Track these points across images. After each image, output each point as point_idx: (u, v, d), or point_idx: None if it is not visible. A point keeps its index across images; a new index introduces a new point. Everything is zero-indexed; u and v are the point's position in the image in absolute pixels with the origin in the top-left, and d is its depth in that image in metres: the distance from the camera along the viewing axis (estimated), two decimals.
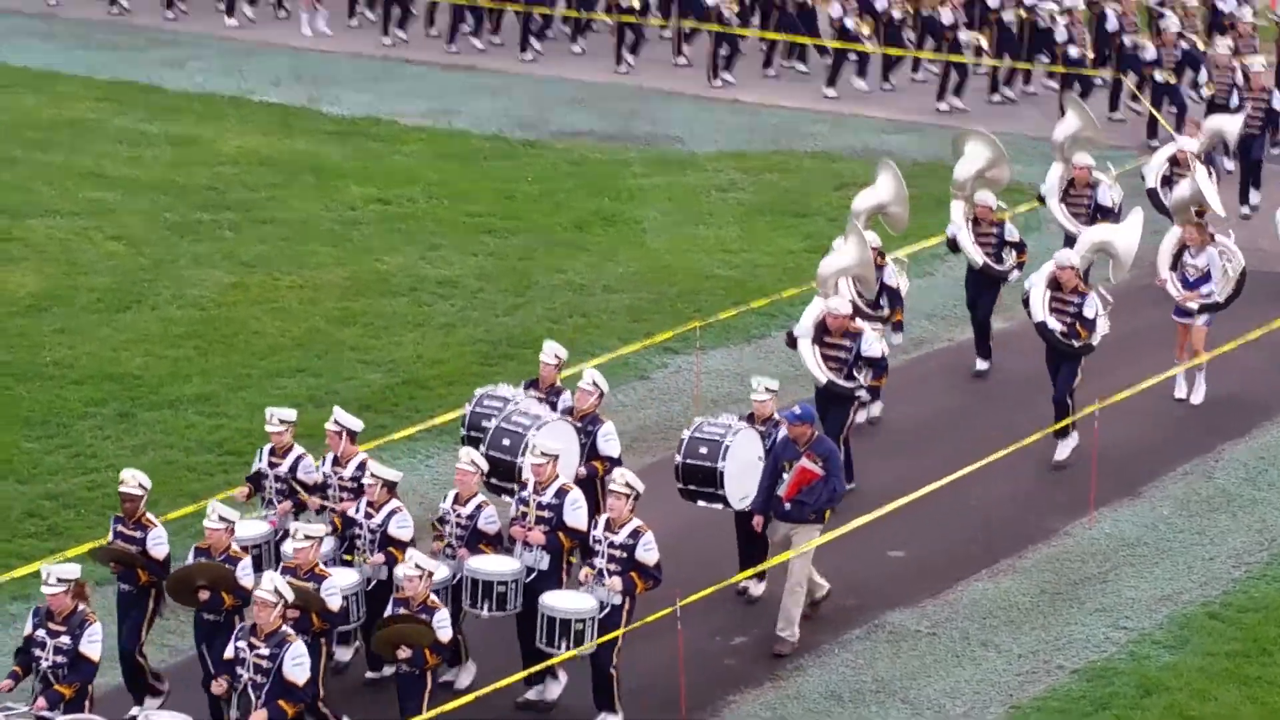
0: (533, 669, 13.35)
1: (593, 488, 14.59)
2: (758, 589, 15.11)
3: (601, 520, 13.19)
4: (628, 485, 13.27)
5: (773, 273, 23.20)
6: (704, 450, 14.59)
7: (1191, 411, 20.54)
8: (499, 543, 13.65)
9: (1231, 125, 24.21)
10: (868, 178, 23.51)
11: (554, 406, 15.32)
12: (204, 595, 12.64)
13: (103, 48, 34.61)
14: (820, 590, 14.86)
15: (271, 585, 11.87)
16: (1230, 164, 25.47)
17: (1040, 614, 16.06)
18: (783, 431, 14.89)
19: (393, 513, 13.56)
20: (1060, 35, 30.33)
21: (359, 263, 24.44)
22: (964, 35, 30.81)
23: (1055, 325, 17.57)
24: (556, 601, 12.93)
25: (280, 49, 34.45)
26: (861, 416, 18.38)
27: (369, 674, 13.96)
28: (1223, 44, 28.34)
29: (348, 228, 25.79)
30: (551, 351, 15.82)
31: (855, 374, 16.69)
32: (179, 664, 14.24)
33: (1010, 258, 19.48)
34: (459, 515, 13.58)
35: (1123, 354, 20.40)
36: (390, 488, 13.73)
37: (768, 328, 20.99)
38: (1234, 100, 26.81)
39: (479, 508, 13.53)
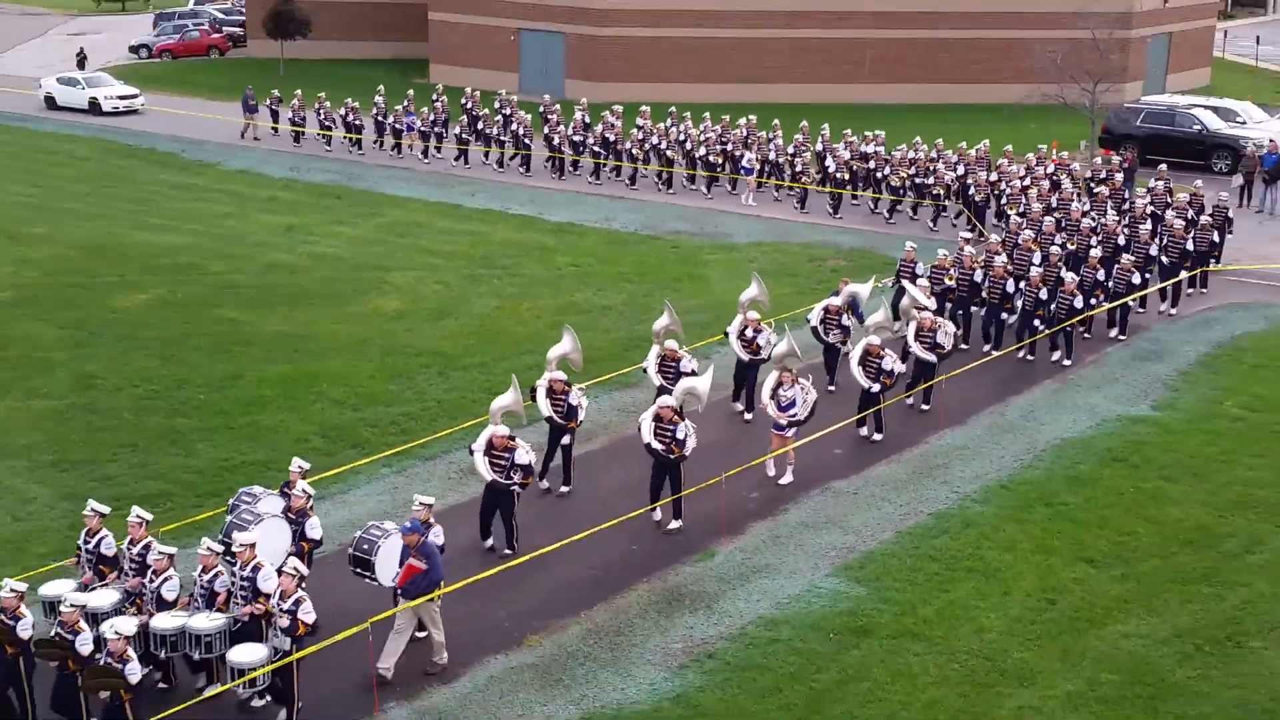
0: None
1: (303, 559, 16.26)
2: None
3: (277, 592, 14.79)
4: (295, 569, 14.95)
5: (772, 309, 26.81)
6: (365, 547, 16.32)
7: (1010, 369, 25.81)
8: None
9: (863, 290, 25.33)
10: (828, 255, 32.89)
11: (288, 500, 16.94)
12: None
13: (429, 184, 42.70)
14: (441, 656, 16.27)
15: None
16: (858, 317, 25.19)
17: (913, 484, 21.36)
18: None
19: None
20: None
21: (561, 298, 31.08)
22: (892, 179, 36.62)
23: (658, 446, 19.11)
24: (235, 656, 14.74)
25: (520, 187, 42.17)
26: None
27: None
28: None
29: (556, 279, 32.70)
30: (297, 464, 17.45)
31: (512, 475, 18.17)
32: None
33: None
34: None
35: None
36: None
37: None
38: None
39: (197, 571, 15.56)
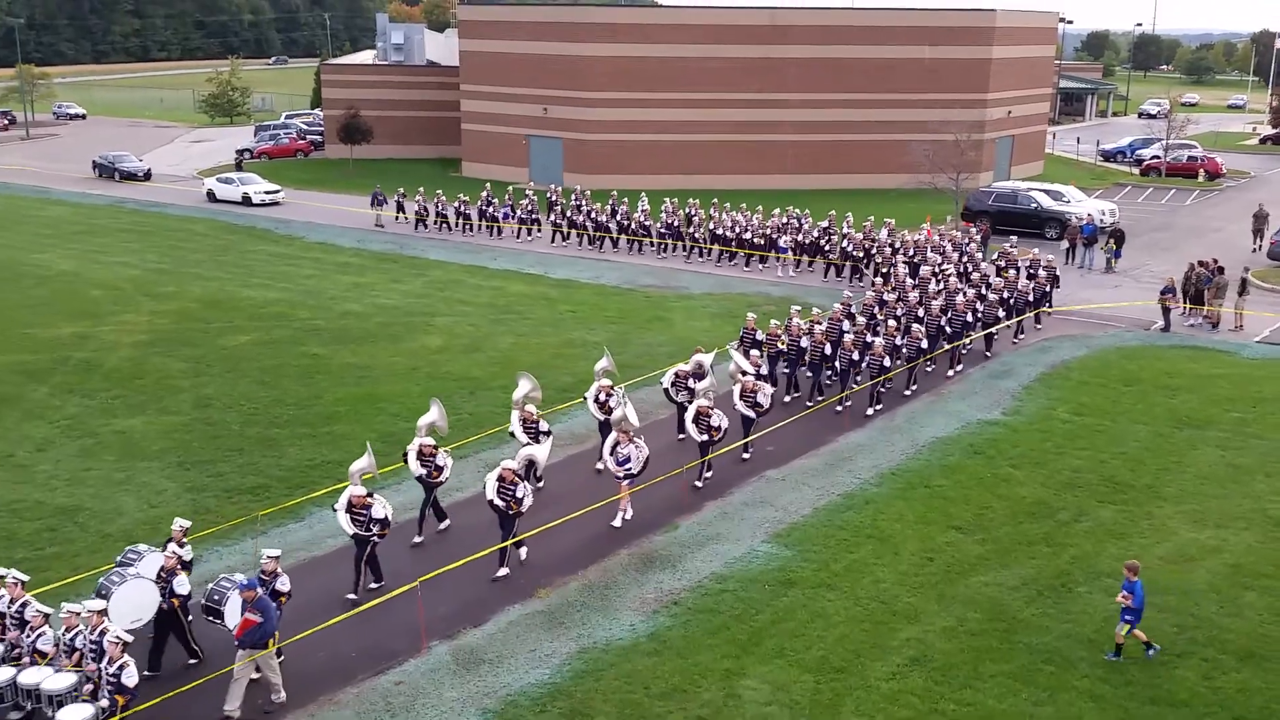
0: None
1: (175, 615, 14.18)
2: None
3: (107, 656, 12.21)
4: (118, 638, 12.11)
5: (712, 340, 27.43)
6: (216, 598, 14.34)
7: (905, 393, 24.78)
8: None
9: (707, 359, 22.95)
10: (760, 302, 29.77)
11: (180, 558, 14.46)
12: None
13: (462, 252, 41.85)
14: (278, 695, 13.77)
15: None
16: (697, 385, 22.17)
17: (826, 473, 21.23)
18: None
19: None
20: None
21: (562, 335, 30.65)
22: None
23: (499, 503, 16.96)
24: (62, 715, 12.02)
25: (533, 253, 41.64)
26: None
27: None
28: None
29: (562, 321, 32.21)
30: (178, 523, 15.07)
31: (371, 528, 16.03)
32: None
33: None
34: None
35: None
36: None
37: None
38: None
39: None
